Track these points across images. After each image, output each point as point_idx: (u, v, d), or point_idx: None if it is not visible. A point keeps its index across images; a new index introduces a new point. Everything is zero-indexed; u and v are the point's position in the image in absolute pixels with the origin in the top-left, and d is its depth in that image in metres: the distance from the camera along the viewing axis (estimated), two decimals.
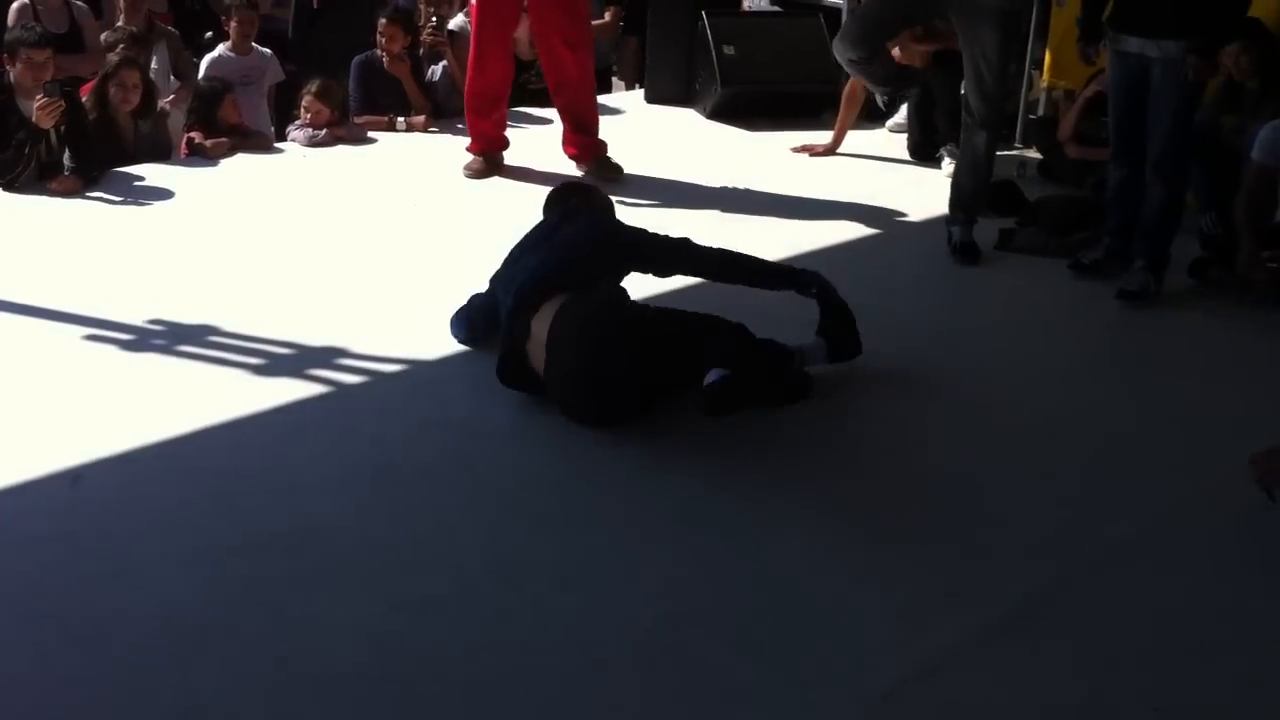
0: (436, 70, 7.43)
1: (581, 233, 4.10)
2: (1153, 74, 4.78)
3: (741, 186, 6.22)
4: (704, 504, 3.40)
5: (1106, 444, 3.83)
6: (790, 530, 3.28)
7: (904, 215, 5.81)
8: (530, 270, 3.94)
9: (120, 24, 6.96)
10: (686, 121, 7.51)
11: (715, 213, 5.83)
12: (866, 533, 3.30)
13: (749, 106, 7.51)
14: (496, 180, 6.19)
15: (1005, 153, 6.91)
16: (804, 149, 6.91)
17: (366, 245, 5.25)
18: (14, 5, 7.05)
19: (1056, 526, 3.36)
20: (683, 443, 3.65)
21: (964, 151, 5.36)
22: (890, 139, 7.17)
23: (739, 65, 7.51)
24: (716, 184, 6.22)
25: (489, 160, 6.23)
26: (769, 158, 6.76)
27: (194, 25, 7.87)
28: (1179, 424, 3.99)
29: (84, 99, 6.03)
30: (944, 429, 3.90)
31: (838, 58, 5.29)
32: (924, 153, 6.78)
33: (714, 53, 7.48)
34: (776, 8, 8.54)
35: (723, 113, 7.55)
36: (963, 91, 5.30)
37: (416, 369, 4.13)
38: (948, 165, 6.56)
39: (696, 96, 7.69)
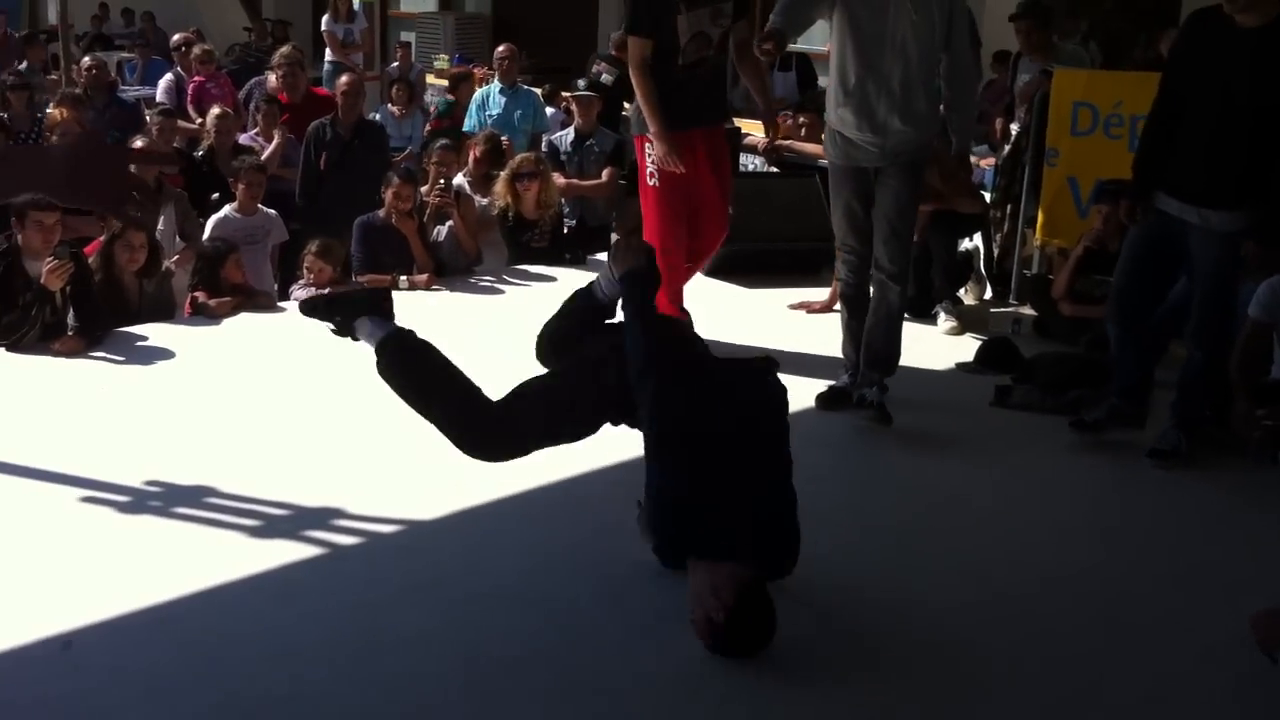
0: (442, 231, 7.55)
1: None
2: (1190, 240, 4.72)
3: (740, 341, 6.27)
4: (702, 668, 3.34)
5: (1108, 605, 3.79)
6: (786, 699, 3.23)
7: (900, 370, 5.82)
8: None
9: None
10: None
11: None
12: (864, 703, 3.24)
13: (747, 264, 7.61)
14: (491, 335, 6.24)
15: (1000, 309, 7.01)
16: (801, 305, 6.99)
17: (365, 404, 5.23)
18: None
19: (1058, 691, 3.31)
20: (681, 601, 3.61)
21: (878, 309, 5.22)
22: None
23: (737, 224, 7.60)
24: (716, 338, 6.25)
25: None
26: (767, 314, 6.83)
27: (203, 186, 8.01)
28: (1180, 585, 3.95)
29: (89, 258, 6.12)
30: (944, 589, 3.86)
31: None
32: (920, 309, 6.83)
33: None
34: (773, 169, 8.70)
35: (721, 270, 7.63)
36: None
37: (411, 529, 4.11)
38: (944, 322, 6.63)
39: None
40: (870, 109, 5.01)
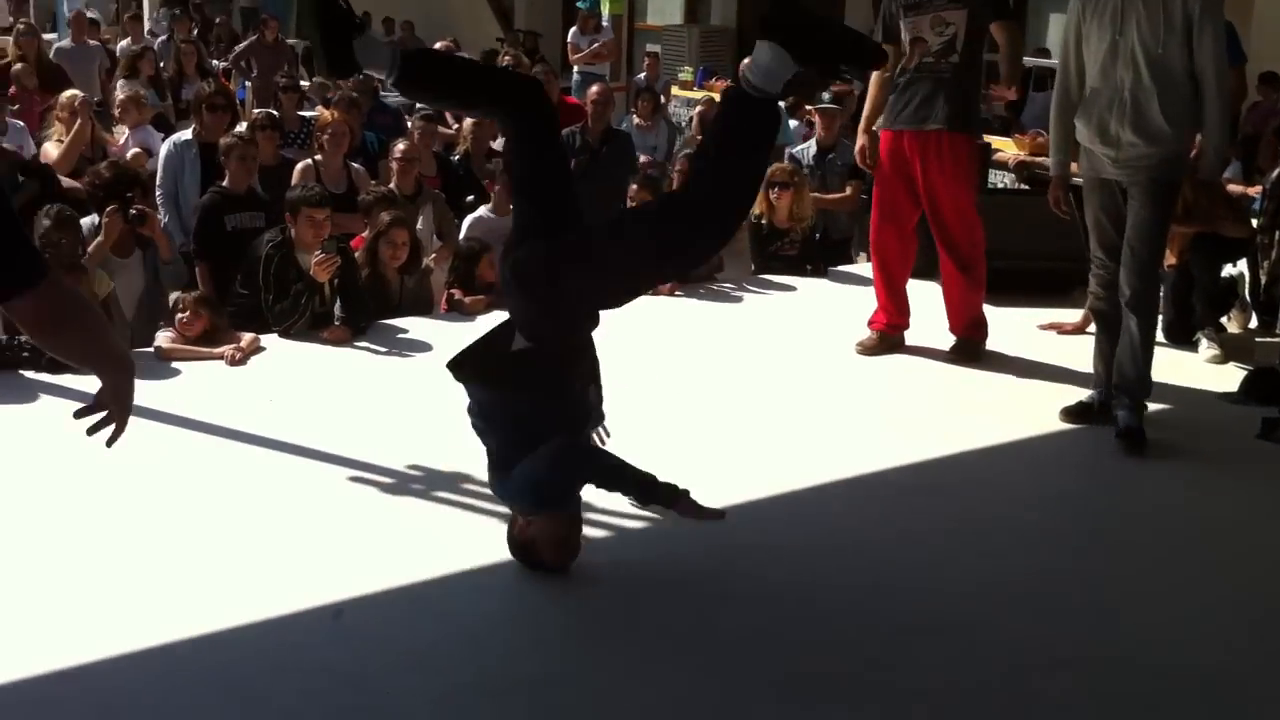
0: None
1: None
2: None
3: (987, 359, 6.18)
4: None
5: None
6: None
7: (1158, 397, 5.60)
8: None
9: (393, 185, 7.41)
10: (931, 293, 7.49)
11: (959, 377, 5.80)
12: None
13: (995, 281, 7.41)
14: (732, 341, 6.27)
15: (1267, 339, 6.67)
16: (1052, 326, 6.79)
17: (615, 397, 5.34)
18: (299, 165, 7.61)
19: None
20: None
21: (1123, 336, 5.04)
22: None
23: (987, 242, 7.47)
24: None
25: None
26: (1017, 333, 6.65)
27: (459, 188, 8.31)
28: None
29: (356, 254, 6.41)
30: (1211, 620, 3.71)
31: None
32: (1179, 335, 6.56)
33: None
34: (1024, 185, 8.52)
35: None
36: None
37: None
38: (1206, 349, 6.35)
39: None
40: (1102, 119, 4.92)
